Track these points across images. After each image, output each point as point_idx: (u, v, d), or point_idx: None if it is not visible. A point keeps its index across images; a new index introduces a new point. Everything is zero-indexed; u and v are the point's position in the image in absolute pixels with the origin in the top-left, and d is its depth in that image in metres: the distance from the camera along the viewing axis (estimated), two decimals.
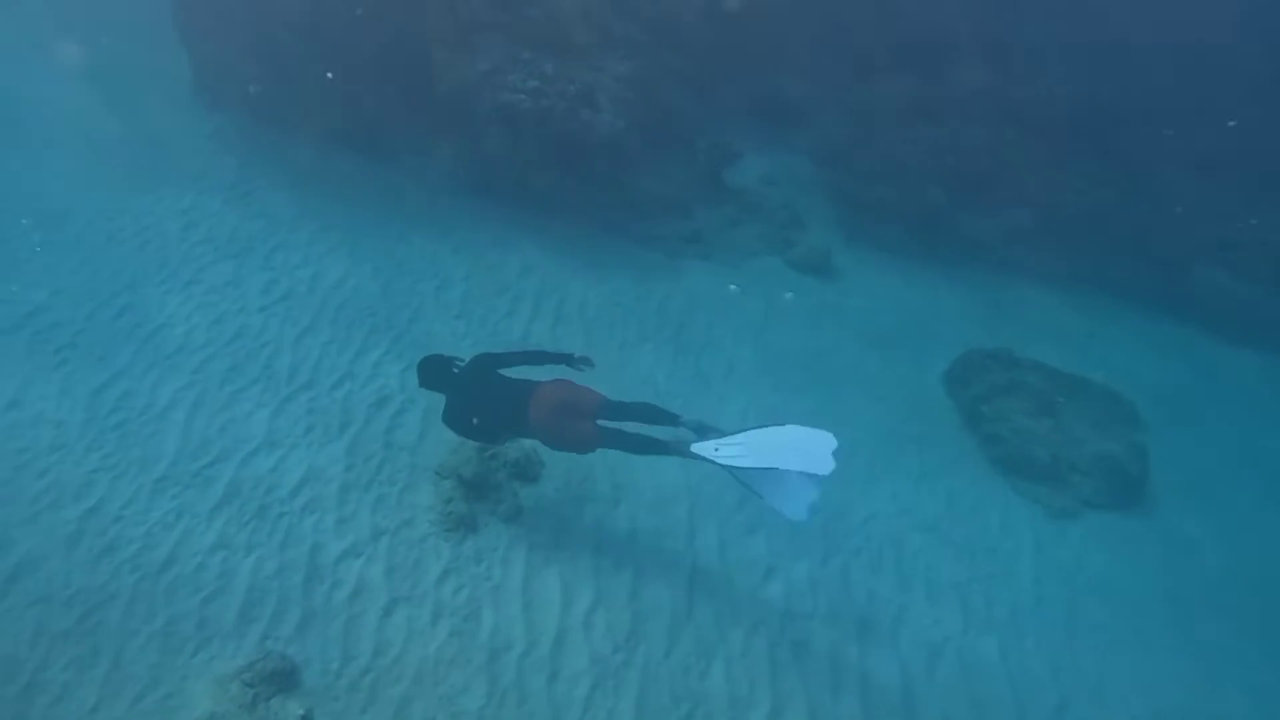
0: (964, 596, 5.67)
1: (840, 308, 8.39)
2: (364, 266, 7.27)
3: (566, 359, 4.97)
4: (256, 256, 7.11)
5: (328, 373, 6.09)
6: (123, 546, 4.68)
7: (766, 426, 4.57)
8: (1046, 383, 7.30)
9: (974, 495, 6.57)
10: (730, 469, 4.53)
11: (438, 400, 5.05)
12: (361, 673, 4.40)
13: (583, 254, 8.11)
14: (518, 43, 8.14)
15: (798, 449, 4.42)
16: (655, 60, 9.06)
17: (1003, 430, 6.96)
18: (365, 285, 7.08)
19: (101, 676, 4.13)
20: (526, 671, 4.58)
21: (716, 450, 4.52)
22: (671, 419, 4.86)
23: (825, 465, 4.37)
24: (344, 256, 7.34)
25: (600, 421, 4.76)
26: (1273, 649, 5.74)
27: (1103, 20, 9.31)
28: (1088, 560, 6.22)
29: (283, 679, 4.22)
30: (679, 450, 4.64)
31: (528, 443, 5.37)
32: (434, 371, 5.02)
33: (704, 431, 4.82)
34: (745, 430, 4.63)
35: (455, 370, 5.01)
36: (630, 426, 4.80)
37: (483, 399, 4.85)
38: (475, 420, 4.87)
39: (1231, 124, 8.71)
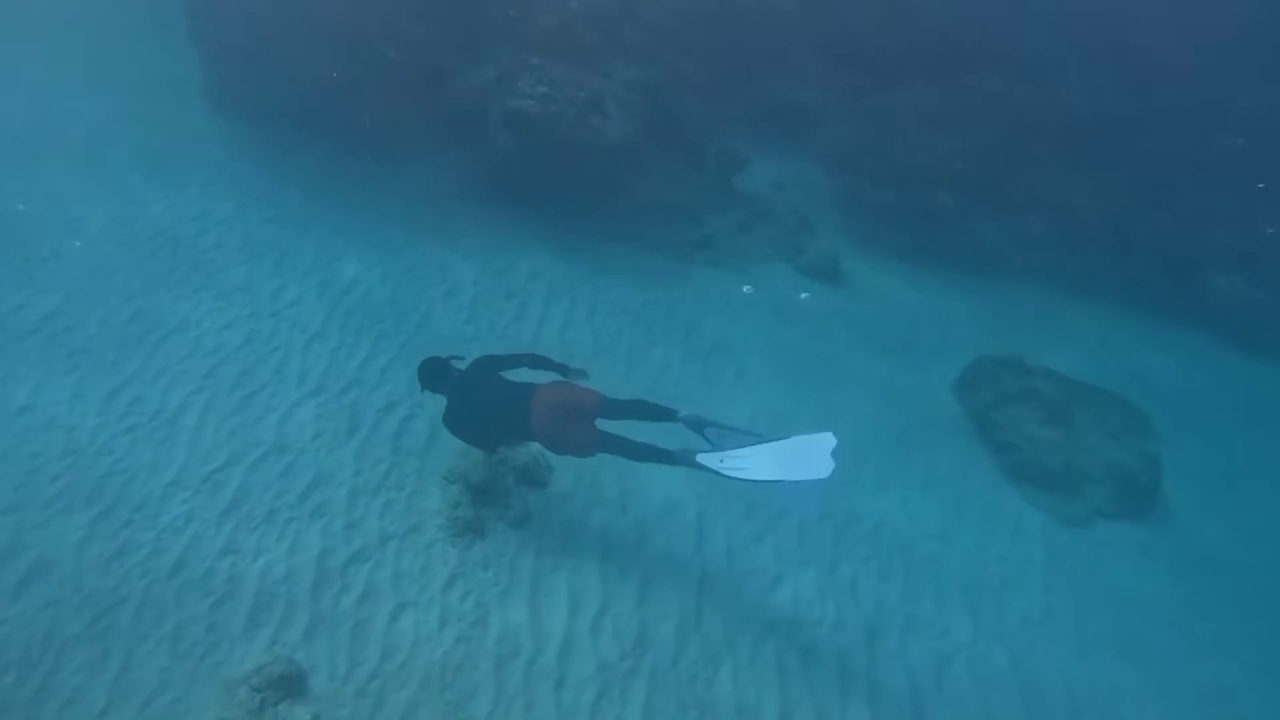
0: (974, 605, 5.63)
1: (850, 313, 8.36)
2: (373, 272, 7.31)
3: (562, 369, 4.99)
4: (266, 262, 7.16)
5: (336, 378, 6.12)
6: (133, 551, 4.70)
7: (769, 442, 4.56)
8: (1058, 390, 7.25)
9: (984, 503, 6.52)
10: (737, 480, 4.52)
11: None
12: (368, 678, 4.41)
13: (591, 259, 8.12)
14: (527, 49, 8.18)
15: (801, 458, 4.41)
16: (664, 66, 9.08)
17: (1014, 438, 6.91)
18: (374, 290, 7.11)
19: (111, 680, 4.16)
20: (533, 678, 4.58)
21: (721, 462, 4.52)
22: (669, 414, 4.86)
23: (826, 468, 4.35)
24: (353, 261, 7.38)
25: (601, 423, 4.77)
26: None
27: (1118, 26, 9.26)
28: (1099, 570, 6.17)
29: (290, 684, 4.23)
30: (685, 460, 4.63)
31: (535, 448, 5.37)
32: (434, 373, 5.04)
33: (701, 426, 4.85)
34: (746, 442, 4.65)
35: (456, 372, 5.02)
36: (633, 431, 4.80)
37: (483, 401, 4.87)
38: (476, 422, 4.88)
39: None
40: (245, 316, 6.50)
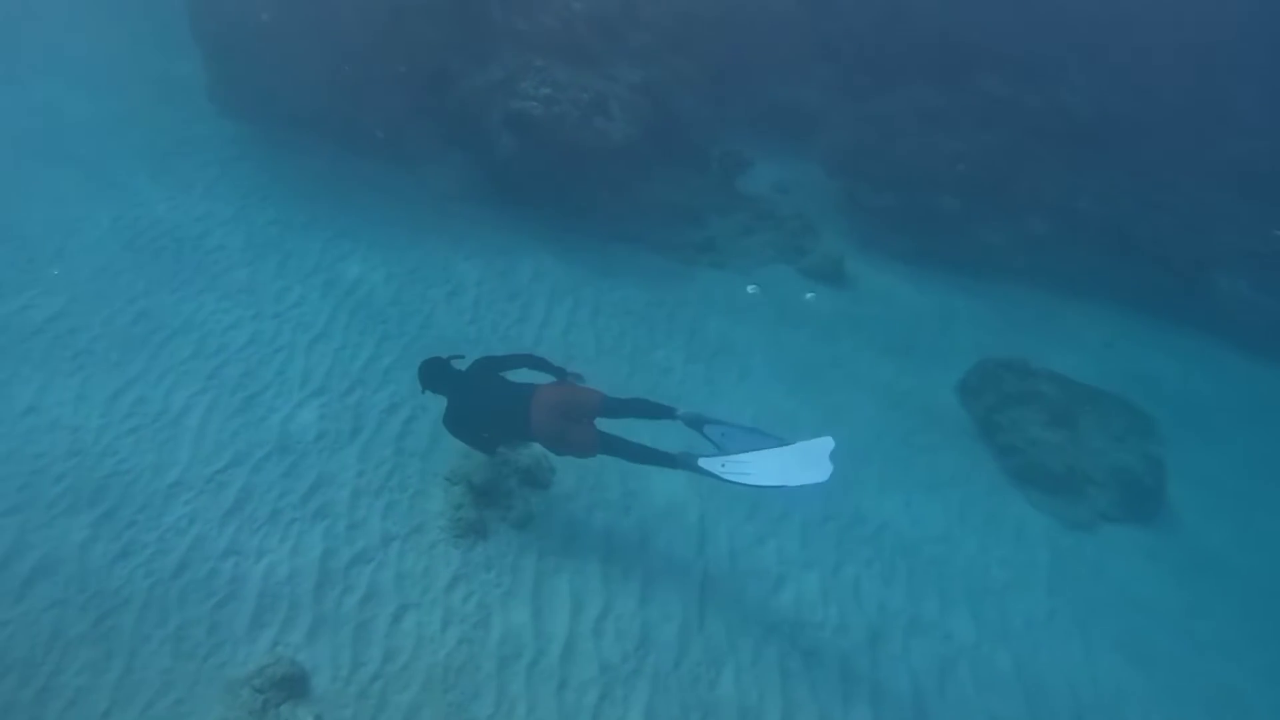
0: (977, 608, 5.61)
1: (853, 315, 8.36)
2: (376, 273, 7.32)
3: (559, 373, 5.00)
4: (270, 263, 7.17)
5: (340, 379, 6.13)
6: (137, 551, 4.71)
7: (769, 449, 4.58)
8: (1062, 393, 7.23)
9: (988, 506, 6.50)
10: (738, 485, 4.53)
11: None
12: (371, 679, 4.40)
13: (595, 261, 8.12)
14: (531, 51, 8.19)
15: (800, 463, 4.44)
16: (668, 68, 9.09)
17: (1017, 441, 6.90)
18: (378, 291, 7.12)
19: (114, 681, 4.16)
20: (535, 679, 4.57)
21: (723, 467, 4.53)
22: (667, 412, 4.88)
23: (825, 472, 4.37)
24: (357, 263, 7.39)
25: (601, 422, 4.78)
26: None
27: (1119, 27, 9.25)
28: (1104, 573, 6.15)
29: (293, 685, 4.23)
30: (686, 464, 4.64)
31: (538, 449, 5.37)
32: (435, 374, 5.04)
33: (700, 423, 4.88)
34: (746, 440, 4.69)
35: (456, 372, 5.03)
36: (634, 430, 4.80)
37: (484, 401, 4.88)
38: (476, 424, 4.90)
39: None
40: (249, 317, 6.51)
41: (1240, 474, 7.34)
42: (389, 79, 8.31)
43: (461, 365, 5.13)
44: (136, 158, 8.18)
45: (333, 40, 8.18)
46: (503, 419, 4.85)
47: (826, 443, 4.47)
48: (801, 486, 4.39)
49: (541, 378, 5.00)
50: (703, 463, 4.58)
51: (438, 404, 5.15)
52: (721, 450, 4.78)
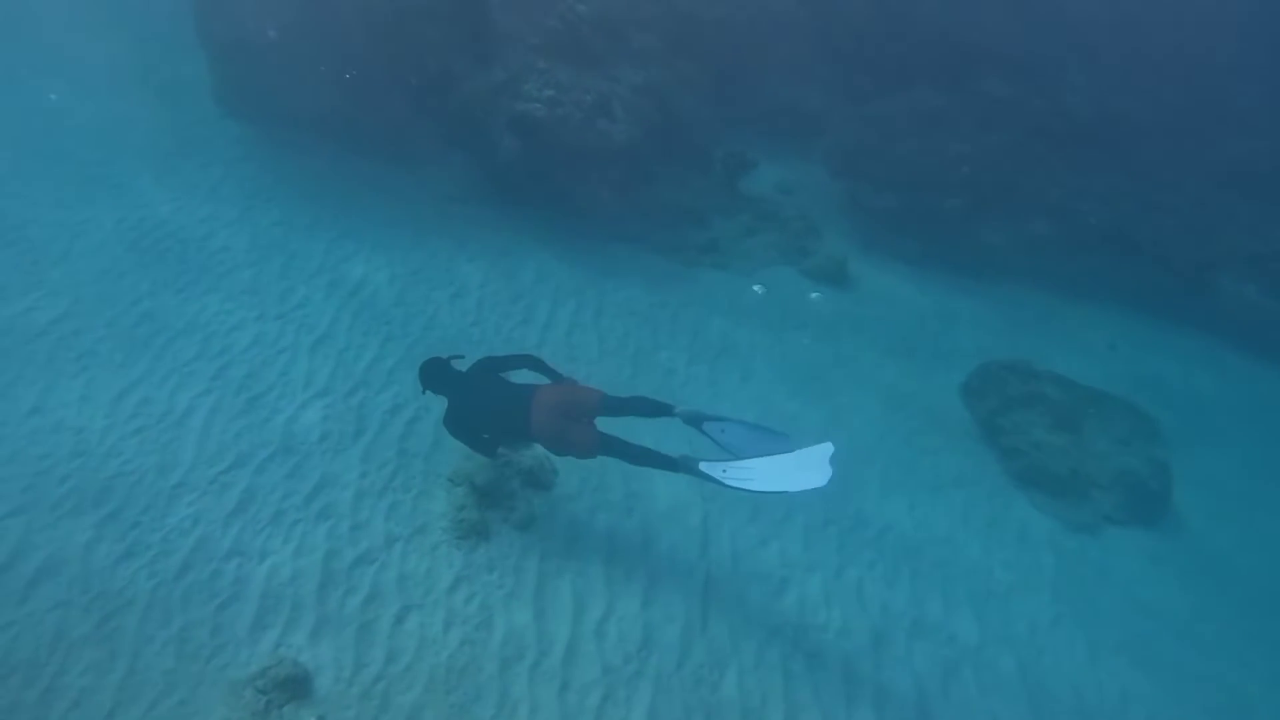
0: (981, 611, 5.60)
1: (856, 317, 8.35)
2: (379, 274, 7.32)
3: (556, 377, 5.01)
4: (274, 264, 7.18)
5: (343, 379, 6.13)
6: (140, 552, 4.71)
7: (770, 455, 4.58)
8: (1066, 395, 7.22)
9: (991, 509, 6.49)
10: (739, 490, 4.53)
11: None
12: (373, 680, 4.40)
13: (598, 262, 8.12)
14: (533, 52, 8.20)
15: (800, 467, 4.45)
16: (671, 70, 9.10)
17: (1021, 443, 6.88)
18: (381, 292, 7.12)
19: (118, 682, 4.16)
20: (538, 681, 4.57)
21: (724, 471, 4.53)
22: (666, 410, 4.88)
23: (825, 476, 4.38)
24: (360, 264, 7.40)
25: (601, 422, 4.78)
26: None
27: (1120, 27, 9.24)
28: (1109, 576, 6.13)
29: (296, 686, 4.23)
30: (687, 468, 4.64)
31: (540, 450, 5.37)
32: (435, 374, 5.05)
33: (699, 420, 4.87)
34: (746, 439, 4.70)
35: (457, 373, 5.03)
36: (634, 429, 4.81)
37: (484, 401, 4.89)
38: (476, 424, 4.90)
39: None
40: (253, 318, 6.52)
41: (1243, 476, 7.31)
42: (392, 81, 8.32)
43: (462, 366, 5.14)
44: (141, 159, 8.20)
45: (336, 43, 8.20)
46: (503, 419, 4.86)
47: (826, 448, 4.47)
48: (802, 491, 4.40)
49: (542, 379, 5.02)
50: (704, 467, 4.58)
51: (440, 405, 5.15)
52: (722, 446, 4.78)
